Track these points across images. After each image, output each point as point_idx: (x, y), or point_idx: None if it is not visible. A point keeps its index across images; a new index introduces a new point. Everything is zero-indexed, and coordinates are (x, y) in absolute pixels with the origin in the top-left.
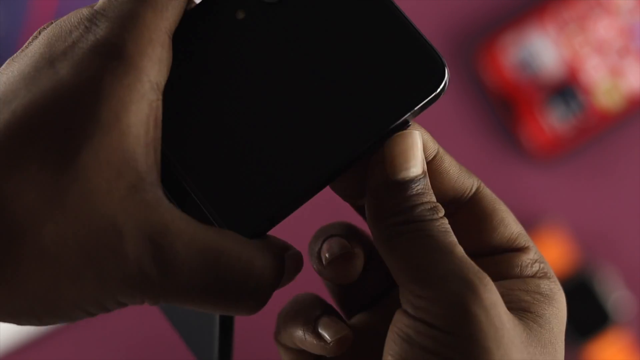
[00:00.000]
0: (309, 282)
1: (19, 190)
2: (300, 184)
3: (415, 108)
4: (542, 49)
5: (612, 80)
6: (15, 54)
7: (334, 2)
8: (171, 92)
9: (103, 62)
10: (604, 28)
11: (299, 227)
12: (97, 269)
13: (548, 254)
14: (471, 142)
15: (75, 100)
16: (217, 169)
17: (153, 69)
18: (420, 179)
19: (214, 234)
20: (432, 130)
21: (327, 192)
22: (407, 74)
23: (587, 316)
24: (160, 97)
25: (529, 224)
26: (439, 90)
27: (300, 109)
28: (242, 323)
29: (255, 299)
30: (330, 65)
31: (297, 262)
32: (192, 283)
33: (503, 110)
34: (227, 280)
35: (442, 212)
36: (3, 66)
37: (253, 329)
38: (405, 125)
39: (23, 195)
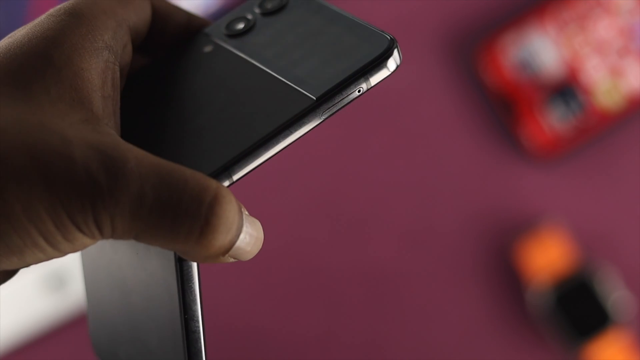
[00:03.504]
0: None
1: None
2: (252, 137)
3: (362, 66)
4: (542, 49)
5: (612, 80)
6: None
7: (293, 16)
8: (131, 100)
9: (58, 18)
10: (604, 28)
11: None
12: (43, 169)
13: (548, 254)
14: (471, 142)
15: (28, 45)
16: (166, 146)
17: (107, 32)
18: None
19: (168, 160)
20: (432, 130)
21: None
22: (356, 50)
23: (587, 316)
24: (117, 63)
25: (529, 224)
26: (381, 52)
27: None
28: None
29: (209, 232)
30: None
31: (256, 230)
32: (143, 193)
33: (503, 110)
34: (180, 193)
35: None
36: None
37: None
38: (357, 88)
39: None
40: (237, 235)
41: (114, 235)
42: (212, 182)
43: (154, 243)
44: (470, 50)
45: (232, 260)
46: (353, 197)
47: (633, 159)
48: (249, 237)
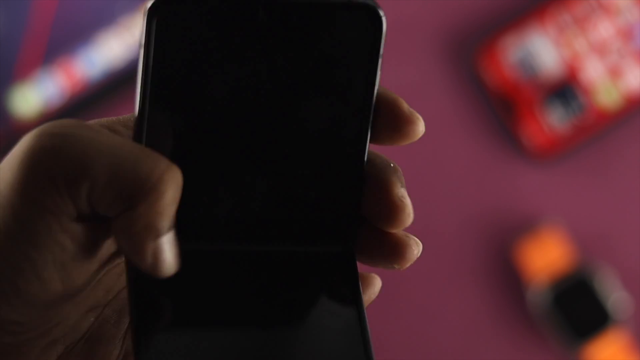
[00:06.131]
0: None
1: None
2: None
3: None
4: (542, 49)
5: (611, 80)
6: None
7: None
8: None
9: None
10: (604, 28)
11: None
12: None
13: (547, 254)
14: (471, 142)
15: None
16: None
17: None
18: None
19: None
20: (433, 130)
21: None
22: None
23: (586, 316)
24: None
25: (529, 224)
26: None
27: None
28: None
29: (154, 212)
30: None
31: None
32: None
33: (503, 110)
34: (127, 165)
35: None
36: None
37: None
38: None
39: None
40: None
41: None
42: (161, 178)
43: None
44: (470, 51)
45: None
46: None
47: (632, 158)
48: None
